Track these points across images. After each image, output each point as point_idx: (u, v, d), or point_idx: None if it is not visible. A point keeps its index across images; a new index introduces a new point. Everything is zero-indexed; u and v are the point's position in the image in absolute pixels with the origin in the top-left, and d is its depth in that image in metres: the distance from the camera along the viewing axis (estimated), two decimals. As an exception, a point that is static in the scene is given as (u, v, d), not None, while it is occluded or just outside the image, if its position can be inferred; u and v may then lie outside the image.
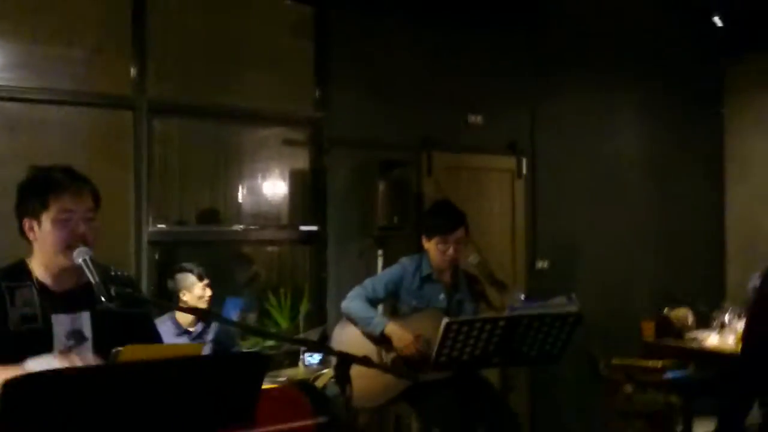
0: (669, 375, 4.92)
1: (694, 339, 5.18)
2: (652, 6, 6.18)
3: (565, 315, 3.14)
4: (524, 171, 5.77)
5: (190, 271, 4.08)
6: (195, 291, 4.07)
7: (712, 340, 5.03)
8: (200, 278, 4.10)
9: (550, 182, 5.89)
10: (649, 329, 5.65)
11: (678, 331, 5.42)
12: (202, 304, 4.06)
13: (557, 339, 3.19)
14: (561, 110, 5.96)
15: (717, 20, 5.69)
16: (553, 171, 5.90)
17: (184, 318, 4.06)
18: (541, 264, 5.87)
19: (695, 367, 5.00)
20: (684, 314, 5.50)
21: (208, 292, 4.12)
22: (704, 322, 5.40)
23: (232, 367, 1.89)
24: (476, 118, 5.56)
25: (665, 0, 6.07)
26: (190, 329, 4.08)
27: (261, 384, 1.96)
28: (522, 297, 3.36)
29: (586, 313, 5.47)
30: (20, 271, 2.17)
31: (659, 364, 5.00)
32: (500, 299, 3.65)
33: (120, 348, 1.76)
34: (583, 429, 5.61)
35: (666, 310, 5.60)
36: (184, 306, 4.05)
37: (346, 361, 2.13)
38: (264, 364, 1.96)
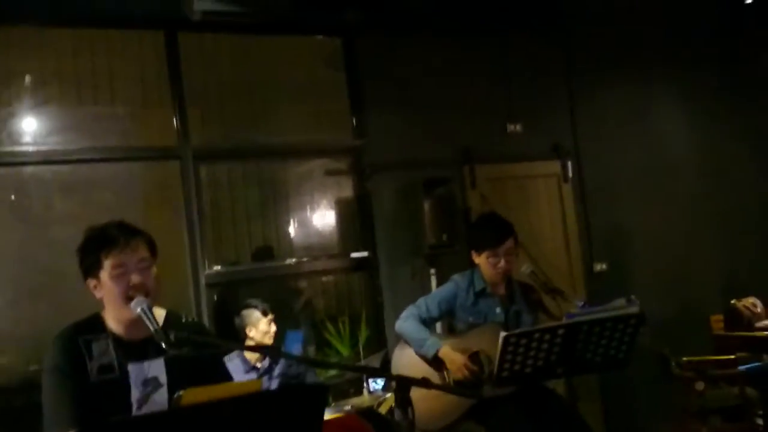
0: (742, 367, 4.74)
1: (766, 328, 5.00)
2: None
3: (626, 317, 3.07)
4: (570, 174, 5.70)
5: (255, 307, 4.17)
6: (260, 326, 4.14)
7: (784, 327, 4.86)
8: (264, 314, 4.17)
9: (598, 182, 5.80)
10: (717, 322, 5.48)
11: (748, 321, 5.24)
12: (268, 340, 4.14)
13: (621, 342, 3.12)
14: (601, 108, 5.88)
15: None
16: (600, 170, 5.81)
17: (251, 354, 4.12)
18: (600, 266, 5.76)
19: (769, 356, 4.82)
20: (752, 303, 5.32)
21: (273, 328, 4.20)
22: (774, 309, 5.22)
23: (292, 401, 1.91)
24: (515, 126, 5.53)
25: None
26: (258, 365, 4.13)
27: (322, 415, 1.97)
28: (580, 303, 3.30)
29: (651, 312, 5.35)
30: (95, 324, 2.26)
31: (731, 357, 4.83)
32: (558, 307, 3.59)
33: (181, 392, 1.80)
34: (658, 431, 5.45)
35: (733, 301, 5.43)
36: (249, 344, 4.11)
37: (404, 384, 2.13)
38: (324, 394, 1.98)
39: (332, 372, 4.80)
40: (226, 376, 2.41)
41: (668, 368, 5.35)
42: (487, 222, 3.79)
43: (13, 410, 3.85)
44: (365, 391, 4.29)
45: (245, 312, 4.18)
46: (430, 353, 3.50)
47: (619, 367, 3.22)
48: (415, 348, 3.57)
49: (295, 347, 4.90)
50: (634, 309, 3.07)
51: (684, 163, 6.21)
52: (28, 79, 4.30)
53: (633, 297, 3.10)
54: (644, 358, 4.46)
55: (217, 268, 4.69)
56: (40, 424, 2.18)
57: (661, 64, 6.11)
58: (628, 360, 3.17)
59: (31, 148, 4.25)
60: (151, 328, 2.11)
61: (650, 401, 5.51)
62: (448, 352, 3.48)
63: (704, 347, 5.40)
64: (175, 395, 1.81)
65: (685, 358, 5.22)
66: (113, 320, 2.25)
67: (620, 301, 3.09)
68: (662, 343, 5.30)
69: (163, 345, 2.07)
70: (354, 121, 5.15)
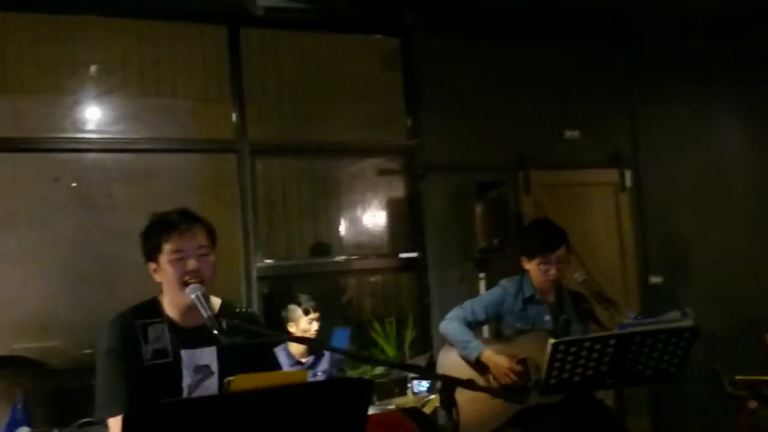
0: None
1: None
2: (749, 7, 5.88)
3: (680, 330, 3.00)
4: (628, 183, 5.59)
5: (299, 304, 4.18)
6: (301, 324, 4.16)
7: None
8: (306, 312, 4.17)
9: (656, 193, 5.68)
10: (775, 342, 5.28)
11: (808, 342, 5.04)
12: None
13: (674, 356, 3.05)
14: (662, 119, 5.76)
15: None
16: (658, 181, 5.69)
17: (296, 348, 4.16)
18: (655, 279, 5.64)
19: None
20: (812, 324, 5.11)
21: (315, 326, 4.19)
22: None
23: (339, 393, 1.93)
24: (573, 133, 5.46)
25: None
26: (303, 360, 4.16)
27: (367, 409, 1.98)
28: (632, 314, 3.23)
29: (706, 327, 5.21)
30: (152, 308, 2.30)
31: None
32: (611, 318, 3.52)
33: (231, 378, 1.82)
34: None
35: (792, 320, 5.23)
36: (295, 336, 4.12)
37: (450, 384, 2.12)
38: (369, 389, 1.98)
39: (377, 371, 4.81)
40: (276, 367, 2.43)
41: (721, 386, 5.20)
42: (539, 228, 3.74)
43: (66, 392, 3.96)
44: (409, 392, 4.29)
45: (290, 307, 4.21)
46: (473, 356, 3.47)
47: (670, 381, 3.15)
48: (459, 350, 3.55)
49: (342, 345, 4.94)
50: (688, 322, 3.00)
51: (743, 179, 6.04)
52: (93, 68, 4.43)
53: (688, 310, 3.03)
54: (696, 374, 4.36)
55: (269, 261, 4.74)
56: (92, 406, 2.23)
57: (724, 78, 5.96)
58: (680, 374, 3.11)
59: (93, 136, 4.38)
60: (204, 314, 2.14)
61: (701, 419, 5.37)
62: (491, 355, 3.46)
63: (759, 366, 5.23)
64: (225, 381, 1.84)
65: (738, 377, 5.07)
66: (170, 305, 2.28)
67: (674, 314, 3.02)
68: (715, 360, 5.16)
69: (215, 332, 2.10)
70: (408, 121, 5.15)
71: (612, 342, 2.94)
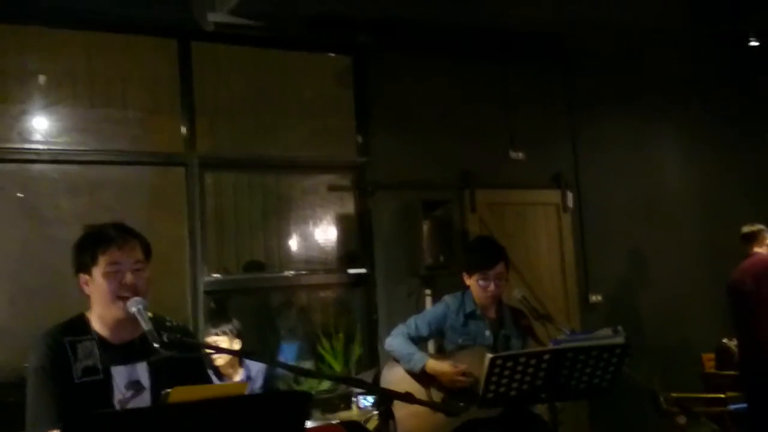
0: (732, 407, 4.77)
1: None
2: (684, 32, 6.14)
3: (612, 347, 3.11)
4: (570, 204, 5.76)
5: (216, 335, 3.94)
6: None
7: (775, 368, 4.86)
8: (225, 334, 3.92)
9: (597, 214, 5.86)
10: (709, 361, 5.51)
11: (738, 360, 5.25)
12: (229, 367, 3.89)
13: (605, 372, 3.15)
14: (602, 141, 5.96)
15: (753, 41, 5.63)
16: (599, 202, 5.88)
17: (225, 369, 3.92)
18: (595, 298, 5.81)
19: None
20: (744, 343, 5.32)
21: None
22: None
23: (276, 406, 1.96)
24: (518, 154, 5.61)
25: (697, 25, 6.05)
26: (235, 380, 4.06)
27: (305, 421, 2.03)
28: (567, 331, 3.35)
29: (644, 346, 5.42)
30: (80, 325, 2.28)
31: (721, 396, 4.86)
32: (547, 334, 3.63)
33: (168, 390, 1.84)
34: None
35: (724, 340, 5.45)
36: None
37: (387, 397, 2.18)
38: (307, 402, 2.02)
39: (323, 386, 4.84)
40: (209, 381, 2.44)
41: (657, 403, 5.37)
42: (480, 245, 3.85)
43: (7, 405, 3.88)
44: (354, 407, 4.33)
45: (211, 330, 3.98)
46: (418, 367, 3.53)
47: (602, 396, 3.26)
48: (403, 364, 3.60)
49: (289, 360, 4.95)
50: (620, 339, 3.11)
51: (681, 198, 6.28)
52: (41, 78, 4.39)
53: (619, 328, 3.15)
54: (635, 391, 4.50)
55: (216, 276, 4.74)
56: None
57: (661, 99, 6.21)
58: (610, 389, 3.21)
59: (41, 147, 4.33)
60: (146, 328, 2.14)
61: (639, 436, 5.51)
62: (435, 364, 3.52)
63: (696, 384, 5.42)
64: (163, 392, 1.85)
65: (674, 394, 5.25)
66: (98, 321, 2.27)
67: (606, 331, 3.14)
68: (652, 378, 5.33)
69: (156, 345, 2.11)
70: (359, 138, 5.23)
71: (546, 357, 3.03)
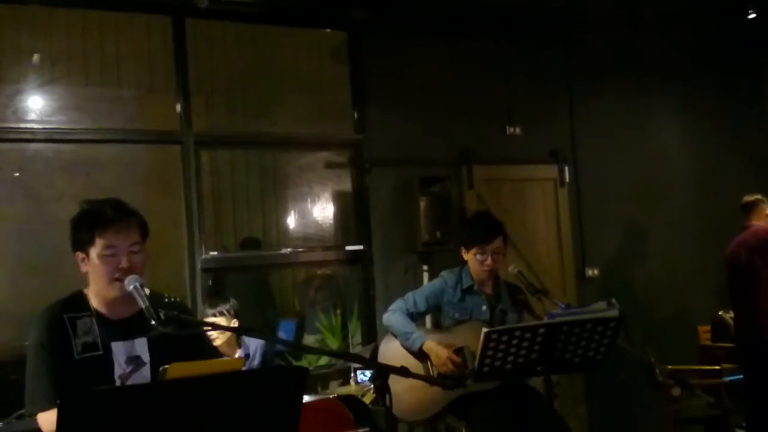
0: (727, 378, 4.82)
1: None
2: (684, 6, 6.10)
3: (606, 320, 3.14)
4: (567, 179, 5.77)
5: (213, 315, 3.95)
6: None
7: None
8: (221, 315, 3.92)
9: (594, 189, 5.86)
10: (705, 333, 5.55)
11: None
12: (226, 346, 3.86)
13: (600, 345, 3.19)
14: (600, 116, 5.94)
15: (752, 13, 5.59)
16: (596, 177, 5.87)
17: (225, 347, 3.90)
18: (591, 272, 5.83)
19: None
20: (739, 315, 5.36)
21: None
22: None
23: (274, 381, 1.98)
24: (515, 129, 5.60)
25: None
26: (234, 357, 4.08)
27: (302, 396, 2.04)
28: (562, 305, 3.38)
29: (641, 320, 5.45)
30: (79, 301, 2.30)
31: (716, 368, 4.90)
32: (543, 308, 3.66)
33: (166, 366, 1.86)
34: (642, 436, 5.53)
35: (720, 312, 5.48)
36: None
37: (383, 371, 2.20)
38: (304, 377, 2.03)
39: (322, 362, 4.88)
40: (209, 355, 2.46)
41: (653, 375, 5.42)
42: (478, 220, 3.87)
43: (8, 383, 3.92)
44: (352, 382, 4.38)
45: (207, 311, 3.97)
46: (416, 346, 3.57)
47: (596, 368, 3.30)
48: (401, 341, 3.64)
49: (288, 336, 4.99)
50: (613, 312, 3.14)
51: (678, 173, 6.28)
52: (36, 57, 4.37)
53: (613, 301, 3.17)
54: (631, 364, 4.54)
55: (214, 253, 4.76)
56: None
57: (661, 75, 6.17)
58: (604, 362, 3.25)
59: (36, 126, 4.33)
60: (143, 305, 2.16)
61: (636, 408, 5.57)
62: (432, 346, 3.55)
63: (691, 357, 5.46)
64: (160, 369, 1.86)
65: (669, 366, 5.29)
66: (96, 298, 2.29)
67: (600, 304, 3.17)
68: (648, 350, 5.37)
69: (153, 322, 2.12)
70: (355, 115, 5.21)
71: (541, 331, 3.06)
